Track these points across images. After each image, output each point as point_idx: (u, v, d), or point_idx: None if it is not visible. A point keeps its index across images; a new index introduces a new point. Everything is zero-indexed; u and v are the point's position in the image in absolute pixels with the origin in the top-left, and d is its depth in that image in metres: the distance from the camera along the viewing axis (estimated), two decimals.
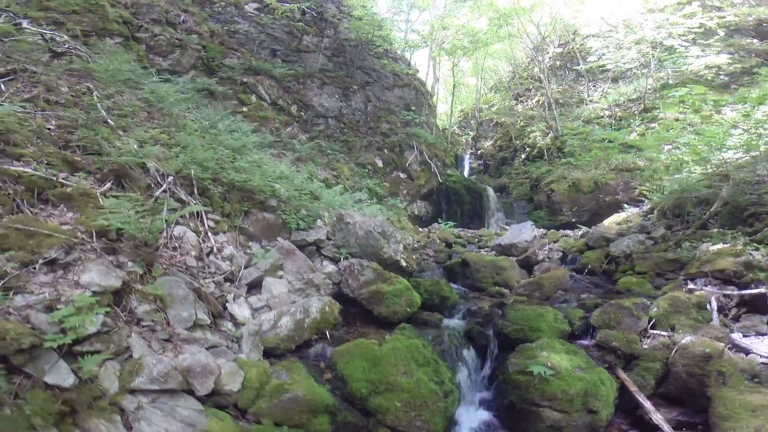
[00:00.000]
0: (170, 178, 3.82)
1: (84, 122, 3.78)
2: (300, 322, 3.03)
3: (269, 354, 2.74)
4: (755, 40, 12.42)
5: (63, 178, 2.92)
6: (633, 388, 2.77)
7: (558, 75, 17.55)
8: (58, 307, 2.08)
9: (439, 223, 9.36)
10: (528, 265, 5.92)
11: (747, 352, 3.03)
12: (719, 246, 4.48)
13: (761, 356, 2.97)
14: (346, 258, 4.42)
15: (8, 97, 3.60)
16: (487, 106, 20.27)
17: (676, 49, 11.65)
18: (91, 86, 4.62)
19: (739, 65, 11.42)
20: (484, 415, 2.86)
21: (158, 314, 2.59)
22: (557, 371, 2.65)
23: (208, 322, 2.79)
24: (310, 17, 12.16)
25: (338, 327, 3.51)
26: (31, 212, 2.51)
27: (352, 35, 12.17)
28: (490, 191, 12.65)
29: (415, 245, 7.06)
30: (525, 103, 18.07)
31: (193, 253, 3.46)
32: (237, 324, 3.05)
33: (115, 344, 2.16)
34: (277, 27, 11.62)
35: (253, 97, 10.14)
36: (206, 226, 3.87)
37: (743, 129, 5.67)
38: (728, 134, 5.73)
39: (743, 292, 3.60)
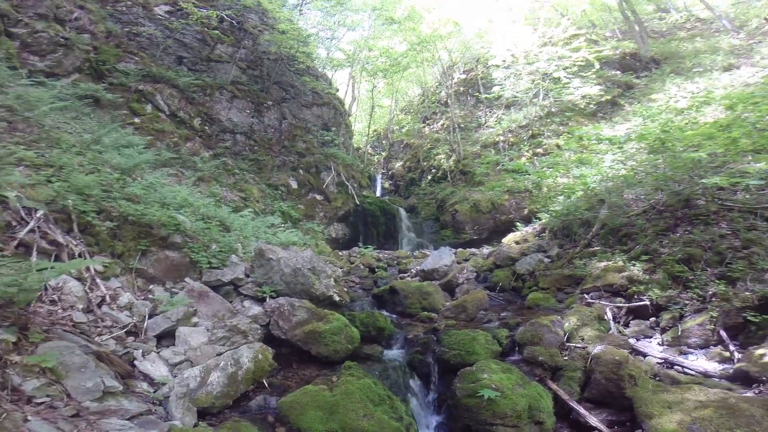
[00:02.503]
0: (40, 213, 3.10)
1: None
2: (233, 375, 2.70)
3: (204, 413, 2.38)
4: (618, 72, 14.61)
5: None
6: (566, 397, 3.11)
7: (461, 100, 18.96)
8: None
9: (359, 246, 9.35)
10: (450, 288, 6.23)
11: (644, 355, 3.63)
12: (605, 263, 5.29)
13: (656, 357, 3.58)
14: (272, 296, 4.10)
15: None
16: (398, 128, 21.21)
17: (561, 80, 13.43)
18: None
19: (607, 96, 13.50)
20: None
21: (53, 388, 2.04)
22: (502, 392, 2.82)
23: (121, 388, 2.30)
24: (228, 26, 11.38)
25: (275, 373, 3.21)
26: None
27: (273, 49, 11.65)
28: (402, 212, 13.17)
29: (341, 274, 6.92)
30: (432, 126, 19.26)
31: (80, 306, 2.87)
32: (154, 384, 2.56)
33: None
34: (188, 33, 10.64)
35: (149, 107, 9.04)
36: (92, 271, 3.22)
37: (612, 158, 6.94)
38: (602, 162, 6.95)
39: (631, 304, 4.32)
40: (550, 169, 8.78)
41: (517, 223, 10.21)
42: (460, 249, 10.20)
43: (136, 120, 8.48)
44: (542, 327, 3.84)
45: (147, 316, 3.11)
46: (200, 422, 2.29)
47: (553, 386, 3.23)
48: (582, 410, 3.00)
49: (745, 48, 12.76)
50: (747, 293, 3.77)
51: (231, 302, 3.95)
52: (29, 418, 1.76)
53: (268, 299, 4.01)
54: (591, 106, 13.32)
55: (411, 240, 12.37)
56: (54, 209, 3.21)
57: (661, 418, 2.68)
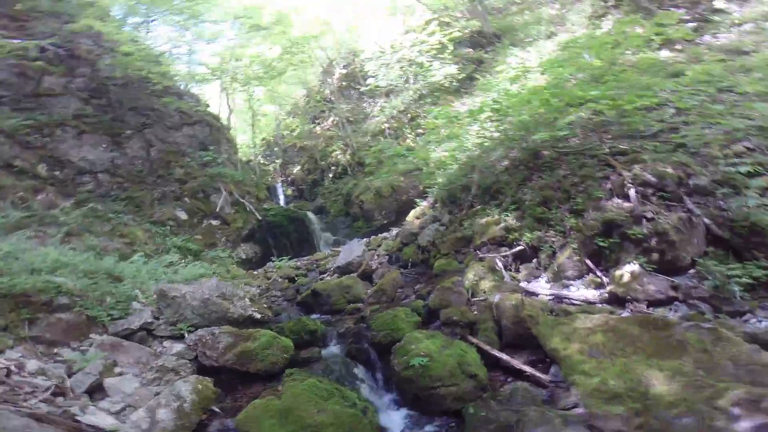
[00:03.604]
0: None
1: None
2: (180, 409, 2.76)
3: None
4: (470, 49, 16.14)
5: None
6: (486, 347, 3.60)
7: (345, 95, 19.26)
8: None
9: (272, 261, 9.22)
10: (368, 276, 6.66)
11: (536, 294, 4.24)
12: (485, 219, 6.19)
13: (546, 295, 4.18)
14: (189, 331, 4.06)
15: None
16: (288, 132, 20.75)
17: (423, 64, 14.59)
18: None
19: (464, 74, 14.87)
20: (402, 412, 3.27)
21: None
22: (431, 356, 3.27)
23: None
24: (54, 55, 9.91)
25: (222, 398, 3.30)
26: None
27: (118, 73, 10.42)
28: (311, 215, 13.23)
29: (258, 292, 6.84)
30: (322, 125, 19.31)
31: None
32: None
33: None
34: (1, 68, 9.02)
35: None
36: None
37: (475, 131, 8.03)
38: (467, 135, 7.99)
39: (512, 251, 5.17)
40: (430, 146, 9.73)
41: (417, 200, 11.04)
42: (373, 236, 10.72)
43: None
44: (447, 290, 4.46)
45: (67, 376, 3.01)
46: None
47: (474, 340, 3.74)
48: (504, 356, 3.48)
49: (560, 17, 15.36)
50: (592, 221, 4.43)
51: (149, 346, 3.85)
52: None
53: (186, 335, 3.95)
54: (454, 84, 14.71)
55: (327, 240, 12.56)
56: None
57: (566, 351, 3.11)
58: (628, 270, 3.87)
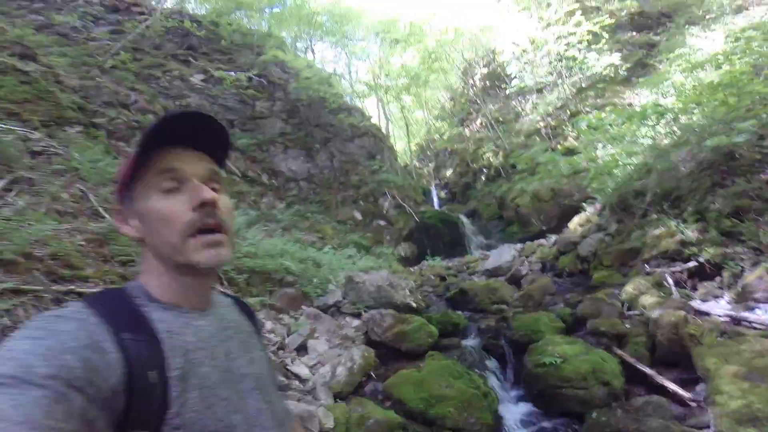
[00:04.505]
0: None
1: (103, 234, 4.17)
2: (351, 368, 3.62)
3: (337, 396, 3.31)
4: (634, 33, 14.16)
5: None
6: (631, 360, 3.43)
7: (490, 94, 18.75)
8: None
9: (426, 260, 10.10)
10: (516, 281, 6.72)
11: (708, 314, 3.79)
12: (659, 230, 5.46)
13: (720, 316, 3.68)
14: (365, 311, 5.06)
15: (28, 213, 3.65)
16: (438, 136, 21.38)
17: (576, 57, 13.30)
18: (82, 188, 4.67)
19: (630, 61, 13.05)
20: (523, 407, 3.46)
21: None
22: (565, 358, 3.35)
23: (286, 381, 3.35)
24: (258, 83, 12.58)
25: (378, 367, 4.09)
26: None
27: (303, 96, 12.68)
28: (464, 218, 13.67)
29: (414, 286, 7.74)
30: (471, 127, 19.25)
31: None
32: (302, 380, 3.58)
33: None
34: (228, 96, 11.87)
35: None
36: None
37: (650, 124, 6.98)
38: (638, 132, 7.00)
39: (686, 266, 4.53)
40: (600, 144, 8.82)
41: (582, 204, 10.18)
42: (528, 242, 10.41)
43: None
44: (599, 301, 4.28)
45: (287, 335, 4.24)
46: (336, 401, 3.22)
47: (619, 351, 3.60)
48: (648, 370, 3.28)
49: None
50: None
51: (336, 319, 4.98)
52: None
53: (362, 313, 4.98)
54: (621, 72, 12.96)
55: (479, 243, 12.79)
56: None
57: (719, 371, 2.80)
58: None
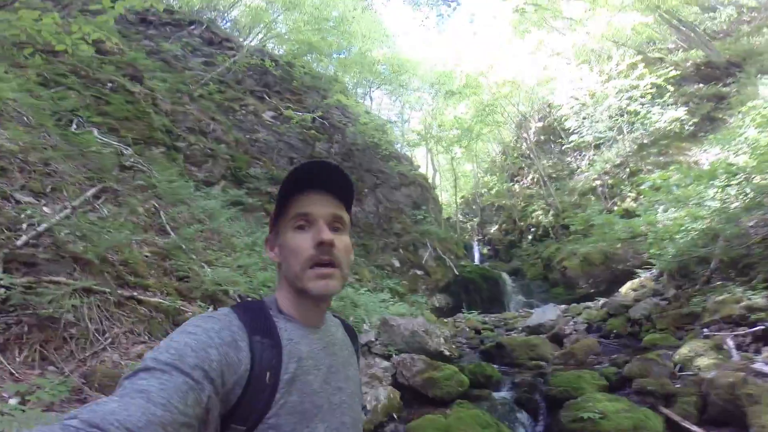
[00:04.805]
0: (249, 300, 4.61)
1: (167, 249, 4.52)
2: (375, 407, 3.56)
3: None
4: (701, 85, 13.27)
5: (181, 306, 3.73)
6: (678, 419, 3.16)
7: (545, 149, 18.13)
8: None
9: (462, 312, 9.77)
10: (558, 339, 6.31)
11: None
12: (723, 296, 5.03)
13: None
14: (396, 354, 5.00)
15: (109, 221, 4.00)
16: (486, 190, 20.68)
17: (639, 112, 12.53)
18: (156, 205, 5.06)
19: (697, 116, 12.18)
20: None
21: None
22: (605, 415, 3.08)
23: None
24: (320, 124, 13.14)
25: (401, 410, 3.95)
26: None
27: (359, 140, 13.10)
28: (506, 276, 13.22)
29: (449, 335, 7.49)
30: (521, 182, 18.67)
31: None
32: None
33: None
34: (292, 135, 12.32)
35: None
36: None
37: (719, 185, 6.53)
38: (705, 194, 6.56)
39: (750, 330, 4.10)
40: (661, 207, 8.32)
41: (637, 271, 9.54)
42: (573, 304, 9.84)
43: None
44: (649, 360, 3.94)
45: None
46: None
47: (665, 410, 3.31)
48: (694, 428, 3.03)
49: None
50: None
51: (366, 359, 4.95)
52: None
53: (393, 356, 4.92)
54: (687, 127, 12.17)
55: (519, 302, 12.22)
56: (253, 296, 4.73)
57: None
58: None
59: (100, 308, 3.26)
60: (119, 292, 3.42)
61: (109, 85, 6.74)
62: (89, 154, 4.80)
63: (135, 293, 3.55)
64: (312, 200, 0.85)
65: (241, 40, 15.45)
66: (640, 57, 13.81)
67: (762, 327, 4.02)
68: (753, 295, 4.58)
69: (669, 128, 12.33)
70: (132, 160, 5.61)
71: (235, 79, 12.97)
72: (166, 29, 13.15)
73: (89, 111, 5.83)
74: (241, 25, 16.66)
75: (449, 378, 4.25)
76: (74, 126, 5.35)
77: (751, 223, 6.18)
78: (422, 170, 17.78)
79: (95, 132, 5.44)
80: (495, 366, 5.32)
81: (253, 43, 14.56)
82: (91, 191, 4.38)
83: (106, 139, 5.50)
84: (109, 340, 3.03)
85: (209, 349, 0.65)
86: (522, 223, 16.79)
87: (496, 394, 4.27)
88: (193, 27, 13.87)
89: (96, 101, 6.21)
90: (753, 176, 5.53)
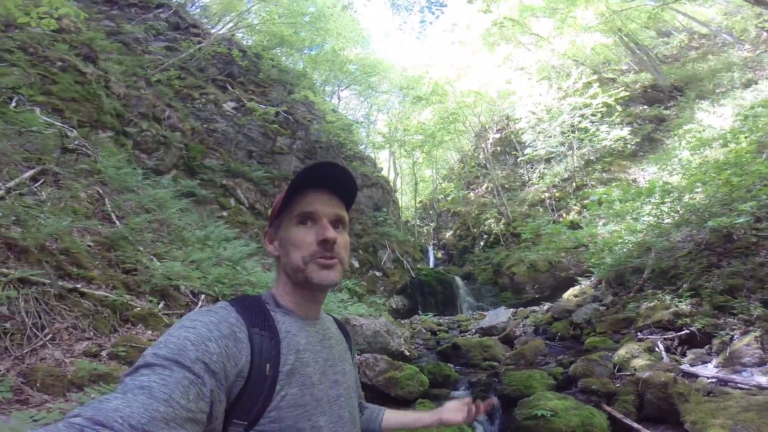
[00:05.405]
0: (202, 297, 4.37)
1: (112, 239, 4.14)
2: None
3: None
4: (646, 107, 14.19)
5: (129, 301, 3.46)
6: (620, 416, 3.43)
7: (500, 160, 18.89)
8: None
9: (419, 314, 9.97)
10: (509, 341, 6.64)
11: (696, 376, 3.88)
12: (654, 303, 5.57)
13: (708, 377, 3.84)
14: (357, 354, 4.97)
15: (49, 206, 3.72)
16: (443, 196, 21.31)
17: (588, 129, 13.32)
18: (101, 191, 4.80)
19: (639, 135, 13.16)
20: None
21: None
22: (556, 412, 3.30)
23: None
24: (283, 119, 12.84)
25: None
26: (124, 332, 3.02)
27: (323, 138, 12.93)
28: (459, 280, 13.66)
29: (408, 336, 7.60)
30: (476, 191, 19.33)
31: None
32: None
33: None
34: (252, 128, 11.98)
35: (232, 201, 10.08)
36: None
37: (655, 202, 7.21)
38: (641, 210, 7.23)
39: (677, 334, 4.59)
40: (602, 221, 9.01)
41: (578, 278, 10.25)
42: (520, 308, 10.37)
43: (224, 213, 9.31)
44: (591, 361, 4.26)
45: None
46: None
47: (608, 408, 3.59)
48: (635, 425, 3.30)
49: (755, 60, 12.50)
50: None
51: None
52: None
53: (355, 355, 4.89)
54: (629, 146, 13.13)
55: (471, 305, 12.67)
56: (209, 293, 4.50)
57: (705, 424, 2.94)
58: None
59: (39, 301, 2.98)
60: (60, 283, 3.14)
61: (59, 64, 6.17)
62: (29, 134, 4.34)
63: (78, 285, 3.27)
64: (318, 199, 0.87)
65: (209, 27, 14.69)
66: (596, 76, 14.64)
67: (687, 331, 4.52)
68: (680, 302, 5.11)
69: (614, 146, 13.26)
70: (77, 143, 5.27)
71: (198, 66, 12.32)
72: (131, 11, 12.28)
73: (33, 89, 5.42)
74: (211, 12, 15.83)
75: (410, 378, 4.33)
76: (13, 104, 4.91)
77: (679, 238, 6.89)
78: (385, 173, 17.88)
79: (37, 111, 5.05)
80: (452, 366, 5.49)
81: (221, 32, 13.86)
82: (29, 173, 3.99)
83: (49, 120, 5.11)
84: (50, 336, 2.77)
85: (209, 342, 0.65)
86: (475, 230, 17.45)
87: (454, 393, 4.41)
88: (160, 10, 13.05)
89: (42, 80, 5.72)
90: (683, 195, 6.16)
